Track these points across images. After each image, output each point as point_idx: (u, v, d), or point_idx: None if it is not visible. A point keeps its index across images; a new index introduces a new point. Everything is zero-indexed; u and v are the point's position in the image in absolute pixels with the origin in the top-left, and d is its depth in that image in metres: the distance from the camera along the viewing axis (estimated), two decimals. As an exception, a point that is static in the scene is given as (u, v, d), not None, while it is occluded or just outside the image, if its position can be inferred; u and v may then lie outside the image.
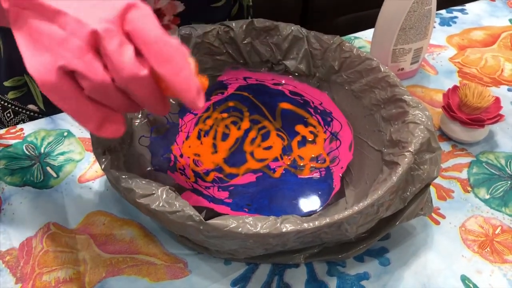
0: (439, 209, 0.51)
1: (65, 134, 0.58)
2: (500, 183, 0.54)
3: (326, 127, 0.53)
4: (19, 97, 0.68)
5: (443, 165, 0.55)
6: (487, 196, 0.52)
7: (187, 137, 0.51)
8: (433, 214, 0.50)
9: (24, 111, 0.68)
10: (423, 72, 0.69)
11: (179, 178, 0.47)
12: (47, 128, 0.59)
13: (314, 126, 0.53)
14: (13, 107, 0.68)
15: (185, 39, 0.54)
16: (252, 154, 0.50)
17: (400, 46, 0.63)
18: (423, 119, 0.44)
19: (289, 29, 0.55)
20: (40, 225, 0.49)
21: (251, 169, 0.48)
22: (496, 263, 0.46)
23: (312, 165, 0.49)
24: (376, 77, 0.50)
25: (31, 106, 0.68)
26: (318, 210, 0.44)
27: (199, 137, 0.52)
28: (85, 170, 0.54)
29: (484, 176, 0.54)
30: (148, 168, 0.48)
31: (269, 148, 0.51)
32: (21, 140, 0.57)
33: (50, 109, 0.69)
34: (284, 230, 0.35)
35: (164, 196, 0.37)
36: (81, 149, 0.57)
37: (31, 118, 0.69)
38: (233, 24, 0.55)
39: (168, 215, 0.36)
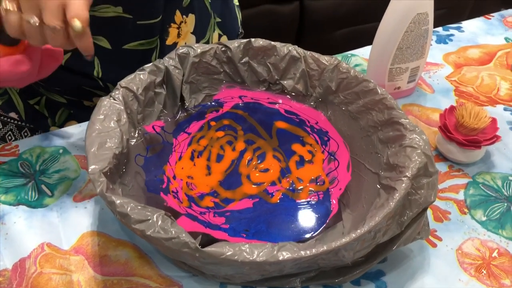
0: (435, 231, 0.51)
1: (61, 151, 0.58)
2: (496, 205, 0.54)
3: (324, 146, 0.53)
4: (1, 105, 0.68)
5: (440, 186, 0.55)
6: (484, 218, 0.52)
7: (180, 158, 0.51)
8: (429, 237, 0.50)
9: (11, 120, 0.69)
10: (420, 90, 0.69)
11: (171, 201, 0.46)
12: (42, 145, 0.59)
13: (311, 145, 0.53)
14: (1, 117, 0.68)
15: (182, 58, 0.54)
16: (248, 177, 0.49)
17: (397, 65, 0.63)
18: (420, 143, 0.44)
19: (287, 49, 0.55)
20: (34, 245, 0.48)
21: (248, 194, 0.48)
22: (493, 287, 0.46)
23: (310, 188, 0.49)
24: (373, 99, 0.50)
25: (12, 114, 0.69)
26: (315, 234, 0.44)
27: (192, 158, 0.51)
28: (80, 189, 0.54)
29: (480, 198, 0.54)
30: (143, 188, 0.48)
31: (266, 170, 0.50)
32: (16, 157, 0.57)
33: (30, 118, 0.69)
34: (281, 258, 0.35)
35: (160, 222, 0.37)
36: (77, 166, 0.56)
37: (18, 128, 0.69)
38: (231, 44, 0.55)
39: (164, 242, 0.36)
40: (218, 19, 0.73)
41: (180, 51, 0.54)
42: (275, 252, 0.35)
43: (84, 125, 0.62)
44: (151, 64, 0.52)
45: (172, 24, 0.64)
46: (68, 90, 0.66)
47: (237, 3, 0.80)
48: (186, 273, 0.46)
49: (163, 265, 0.47)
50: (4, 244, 0.48)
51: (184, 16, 0.65)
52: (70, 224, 0.50)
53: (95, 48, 0.60)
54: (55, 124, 0.70)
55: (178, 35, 0.65)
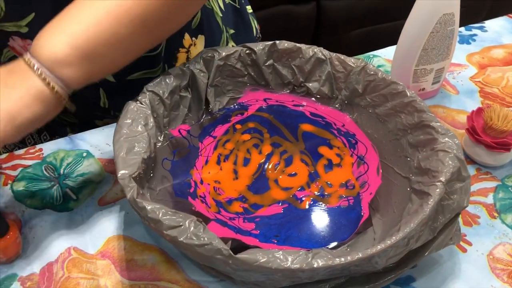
0: (465, 235, 0.50)
1: (84, 154, 0.58)
2: (527, 209, 0.53)
3: (352, 149, 0.52)
4: None
5: (468, 189, 0.55)
6: (515, 223, 0.51)
7: (206, 162, 0.51)
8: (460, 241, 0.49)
9: None
10: (444, 91, 0.68)
11: (199, 206, 0.46)
12: (66, 149, 0.59)
13: (339, 148, 0.53)
14: None
15: (207, 62, 0.53)
16: (276, 181, 0.49)
17: (422, 67, 0.62)
18: (453, 147, 0.43)
19: (312, 51, 0.55)
20: (61, 249, 0.48)
21: (277, 199, 0.47)
22: (527, 294, 0.45)
23: (340, 193, 0.48)
24: (402, 101, 0.49)
25: None
26: (346, 239, 0.44)
27: (218, 162, 0.51)
28: (105, 193, 0.54)
29: (510, 202, 0.53)
30: (170, 192, 0.48)
31: (294, 175, 0.50)
32: (40, 161, 0.57)
33: (48, 125, 0.69)
34: (315, 265, 0.34)
35: (192, 228, 0.36)
36: (101, 170, 0.56)
37: (37, 131, 0.69)
38: (255, 46, 0.55)
39: (196, 248, 0.35)
40: (232, 31, 0.72)
41: (205, 54, 0.53)
42: (309, 259, 0.35)
43: (106, 128, 0.62)
44: (177, 67, 0.52)
45: (180, 49, 0.63)
46: (79, 114, 0.66)
47: (251, 11, 0.79)
48: (213, 278, 0.46)
49: (190, 269, 0.46)
50: (31, 248, 0.48)
51: (193, 38, 0.64)
52: (96, 228, 0.50)
53: (100, 81, 0.60)
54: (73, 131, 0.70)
55: (187, 58, 0.64)
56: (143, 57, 0.59)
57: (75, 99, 0.62)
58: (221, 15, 0.69)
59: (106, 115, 0.66)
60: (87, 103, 0.63)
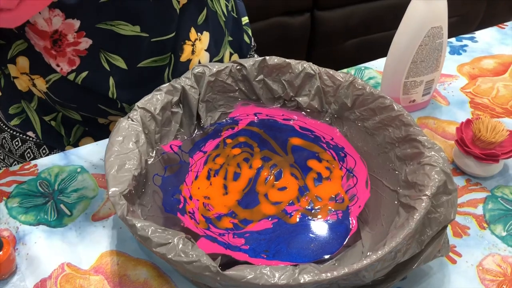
0: (455, 247, 0.51)
1: (78, 170, 0.59)
2: (516, 219, 0.53)
3: (341, 163, 0.53)
4: (19, 123, 0.69)
5: (458, 201, 0.55)
6: (504, 233, 0.52)
7: (196, 177, 0.51)
8: (449, 253, 0.50)
9: (29, 138, 0.70)
10: (435, 103, 0.69)
11: (188, 222, 0.47)
12: (61, 164, 0.59)
13: (328, 161, 0.53)
14: (20, 135, 0.70)
15: (198, 78, 0.54)
16: (266, 196, 0.50)
17: (412, 79, 0.63)
18: (439, 161, 0.44)
19: (301, 66, 0.56)
20: (55, 265, 0.49)
21: (267, 214, 0.48)
22: (516, 305, 0.46)
23: (330, 207, 0.49)
24: (389, 115, 0.50)
25: (29, 133, 0.70)
26: (335, 252, 0.44)
27: (208, 177, 0.51)
28: (99, 208, 0.54)
29: (500, 212, 0.54)
30: (161, 208, 0.48)
31: (283, 189, 0.50)
32: (35, 177, 0.58)
33: (46, 137, 0.70)
34: (302, 281, 0.35)
35: (181, 245, 0.37)
36: (95, 185, 0.57)
37: (37, 145, 0.70)
38: (246, 62, 0.55)
39: (185, 265, 0.36)
40: (230, 38, 0.74)
41: (196, 70, 0.54)
42: (296, 275, 0.35)
43: (100, 143, 0.63)
44: (167, 84, 0.52)
45: (186, 41, 0.64)
46: (84, 108, 0.67)
47: (247, 21, 0.80)
48: (205, 293, 0.46)
49: (182, 284, 0.47)
50: (25, 264, 0.49)
51: (198, 34, 0.65)
52: (89, 244, 0.51)
53: (112, 68, 0.61)
54: (70, 143, 0.71)
55: (192, 52, 0.65)
56: (155, 43, 0.61)
57: (84, 89, 0.63)
58: (224, 19, 0.71)
59: (112, 108, 0.66)
60: (95, 93, 0.63)
